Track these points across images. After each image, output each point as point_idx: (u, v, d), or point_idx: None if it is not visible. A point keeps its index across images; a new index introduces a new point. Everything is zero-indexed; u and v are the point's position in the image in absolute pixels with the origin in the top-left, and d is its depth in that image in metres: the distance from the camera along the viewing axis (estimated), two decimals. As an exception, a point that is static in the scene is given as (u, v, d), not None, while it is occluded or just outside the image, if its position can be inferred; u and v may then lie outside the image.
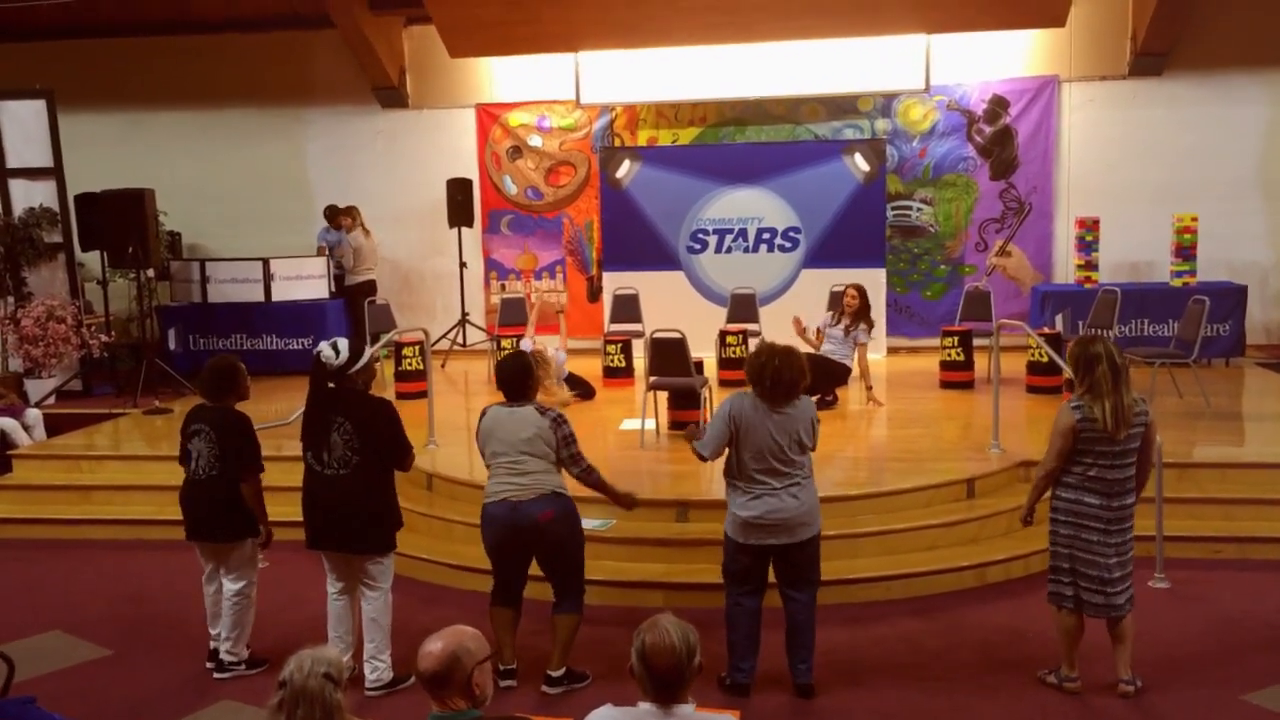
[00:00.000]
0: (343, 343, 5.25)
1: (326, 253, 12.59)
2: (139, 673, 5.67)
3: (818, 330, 9.46)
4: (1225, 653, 5.49)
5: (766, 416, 4.99)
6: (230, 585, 5.55)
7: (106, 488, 8.50)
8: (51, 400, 10.79)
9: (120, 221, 10.62)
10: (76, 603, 6.72)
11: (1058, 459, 4.97)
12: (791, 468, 4.99)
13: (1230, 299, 11.08)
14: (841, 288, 9.66)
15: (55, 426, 9.88)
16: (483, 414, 5.31)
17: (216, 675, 5.54)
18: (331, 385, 5.21)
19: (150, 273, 11.46)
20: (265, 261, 12.06)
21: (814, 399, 5.58)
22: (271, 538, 5.72)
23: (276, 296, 12.03)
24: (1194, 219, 11.25)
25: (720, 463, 5.22)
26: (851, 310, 9.30)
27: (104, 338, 10.97)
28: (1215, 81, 12.06)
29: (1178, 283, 11.29)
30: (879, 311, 11.87)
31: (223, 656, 5.56)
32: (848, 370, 9.46)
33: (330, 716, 2.92)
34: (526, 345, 9.43)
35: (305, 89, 13.48)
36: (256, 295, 12.01)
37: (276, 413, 8.30)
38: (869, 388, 9.47)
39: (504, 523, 5.14)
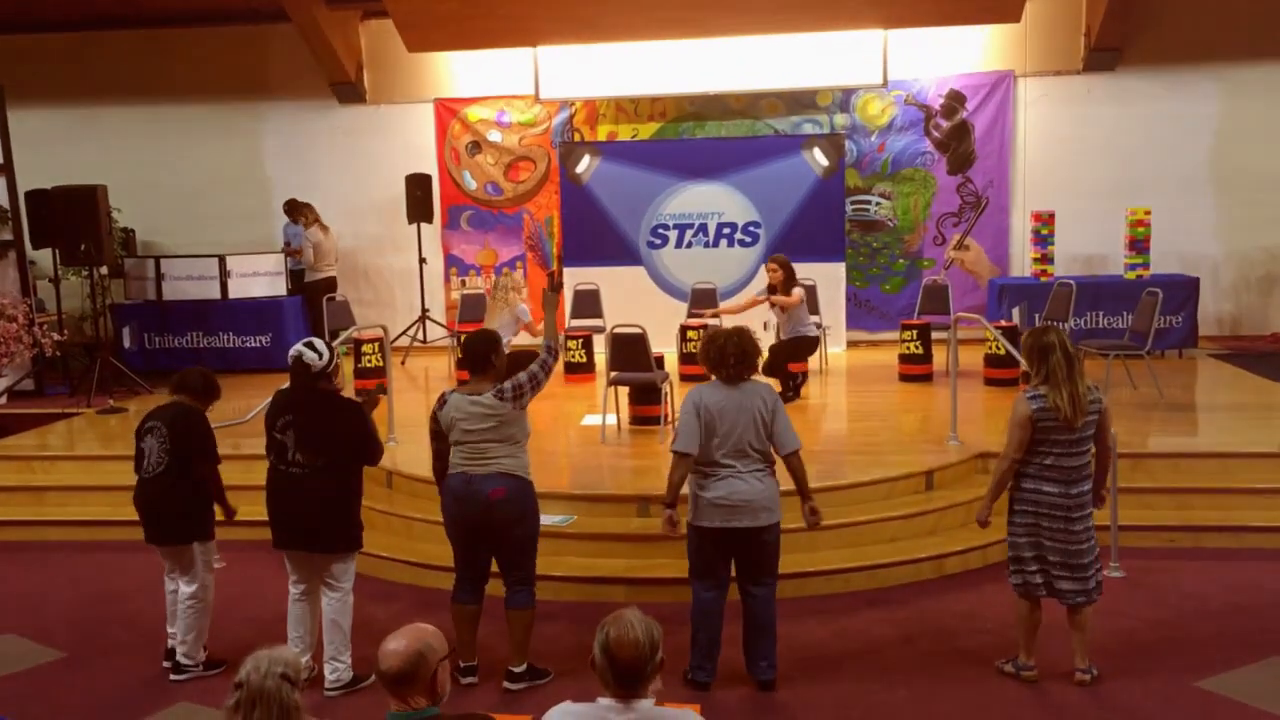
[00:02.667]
0: (319, 343, 5.24)
1: (289, 249, 12.48)
2: (95, 675, 5.60)
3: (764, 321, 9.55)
4: (1179, 640, 5.57)
5: (729, 398, 5.05)
6: (184, 589, 5.49)
7: (60, 489, 8.38)
8: (3, 400, 10.61)
9: (72, 218, 10.46)
10: (30, 605, 6.62)
11: (1019, 450, 5.01)
12: (756, 451, 5.03)
13: (1183, 291, 11.24)
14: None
15: (7, 427, 9.72)
16: (442, 401, 5.24)
17: (173, 677, 5.48)
18: (311, 387, 5.19)
19: (103, 270, 11.31)
20: (221, 258, 11.94)
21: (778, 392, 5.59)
22: (234, 514, 5.67)
23: (233, 294, 11.92)
24: (1147, 212, 11.40)
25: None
26: (778, 282, 9.25)
27: (57, 336, 10.77)
28: (1168, 76, 12.22)
29: (1131, 275, 11.43)
30: (838, 305, 11.97)
31: (179, 659, 5.50)
32: (815, 340, 9.49)
33: (287, 717, 2.91)
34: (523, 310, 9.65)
35: (261, 84, 13.34)
36: (213, 292, 11.89)
37: (235, 411, 8.21)
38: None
39: (458, 495, 5.14)
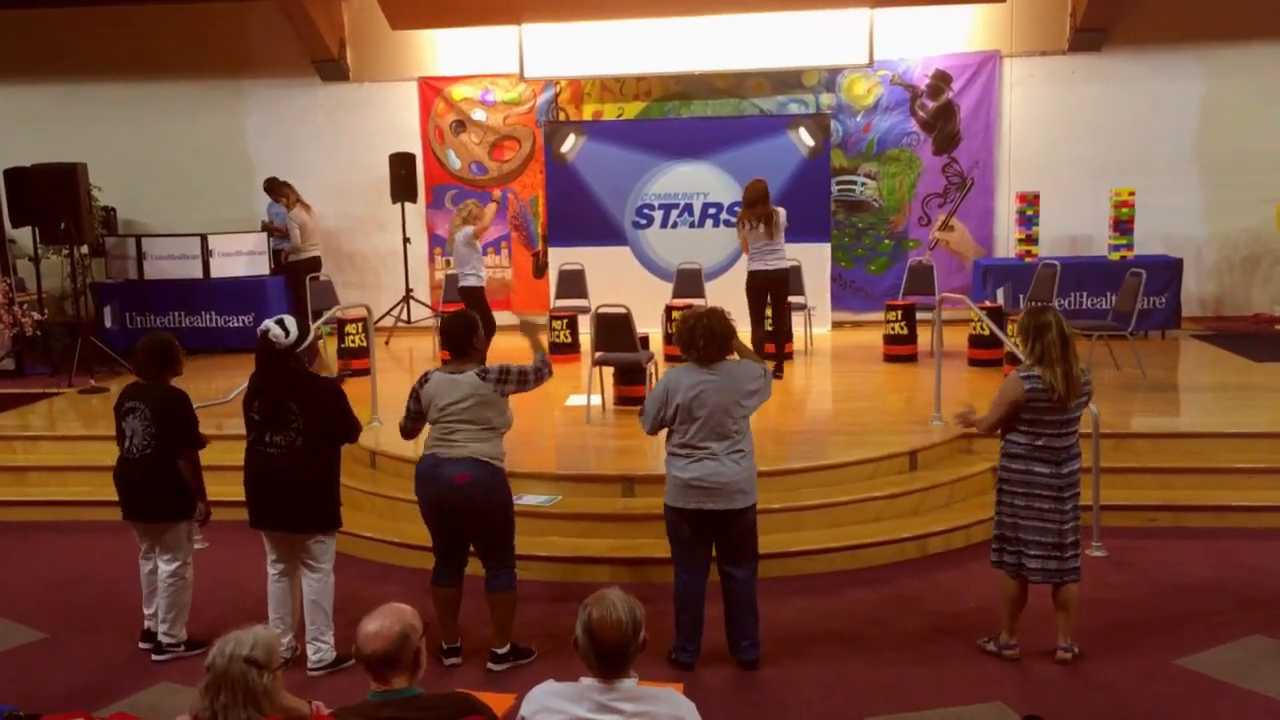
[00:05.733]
0: (290, 321, 5.17)
1: (272, 229, 12.40)
2: (76, 656, 5.58)
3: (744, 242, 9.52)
4: (1160, 619, 5.61)
5: (708, 380, 5.02)
6: (165, 566, 5.47)
7: (42, 469, 8.34)
8: (-17, 380, 10.54)
9: (52, 196, 10.36)
10: (11, 586, 6.59)
11: (995, 427, 5.08)
12: (735, 430, 5.02)
13: (1166, 272, 11.28)
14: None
15: (-13, 407, 9.67)
16: (425, 378, 5.23)
17: (155, 657, 5.47)
18: (277, 364, 5.14)
19: (84, 249, 11.22)
20: (203, 237, 11.87)
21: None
22: (210, 515, 5.65)
23: (215, 273, 11.85)
24: (1131, 193, 11.42)
25: (663, 438, 5.23)
26: (749, 201, 9.22)
27: (37, 316, 10.71)
28: (1153, 57, 12.21)
29: (1115, 256, 11.46)
30: (823, 286, 11.96)
31: (161, 638, 5.49)
32: (785, 275, 9.41)
33: (254, 700, 2.90)
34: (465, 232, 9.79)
35: (243, 61, 13.22)
36: (194, 272, 11.82)
37: (217, 390, 8.18)
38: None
39: (426, 477, 5.15)
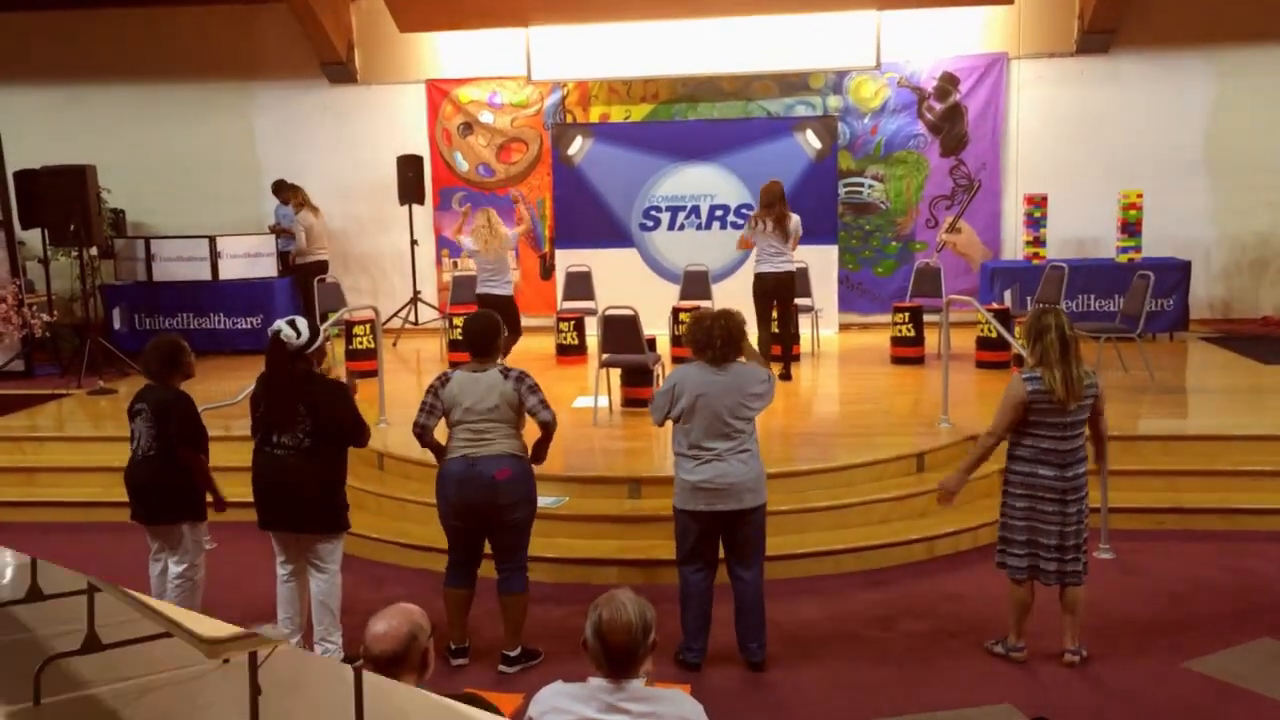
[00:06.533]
0: (301, 322, 5.18)
1: (279, 230, 12.43)
2: (85, 656, 5.59)
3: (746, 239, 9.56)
4: (1168, 622, 5.60)
5: (715, 381, 5.03)
6: (174, 568, 5.49)
7: (50, 469, 8.36)
8: (-8, 381, 10.57)
9: (61, 198, 10.40)
10: (20, 586, 6.61)
11: (1005, 430, 5.03)
12: (740, 431, 5.03)
13: (1175, 274, 11.25)
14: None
15: (-3, 408, 9.69)
16: (446, 378, 5.25)
17: (164, 658, 5.47)
18: (286, 365, 5.15)
19: (93, 251, 11.25)
20: (212, 239, 11.89)
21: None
22: (225, 505, 5.65)
23: (224, 275, 11.88)
24: (1139, 195, 11.40)
25: (670, 439, 5.23)
26: (766, 203, 9.28)
27: (46, 317, 10.75)
28: (1162, 59, 12.19)
29: (1123, 258, 11.44)
30: (830, 288, 11.95)
31: (170, 638, 5.49)
32: (792, 278, 9.45)
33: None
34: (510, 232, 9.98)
35: (252, 63, 13.25)
36: (203, 274, 11.85)
37: (225, 392, 8.20)
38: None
39: (460, 478, 5.13)
